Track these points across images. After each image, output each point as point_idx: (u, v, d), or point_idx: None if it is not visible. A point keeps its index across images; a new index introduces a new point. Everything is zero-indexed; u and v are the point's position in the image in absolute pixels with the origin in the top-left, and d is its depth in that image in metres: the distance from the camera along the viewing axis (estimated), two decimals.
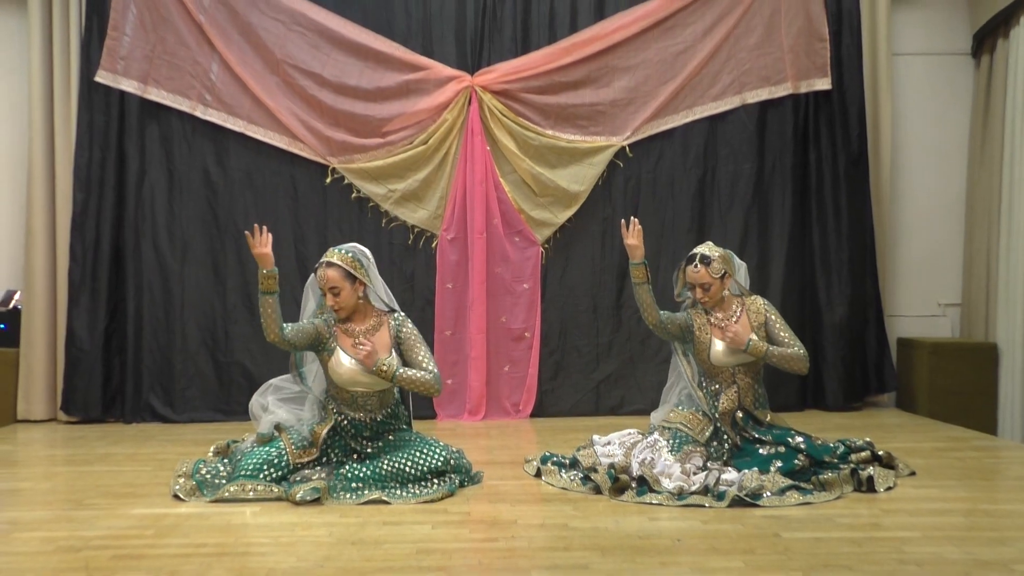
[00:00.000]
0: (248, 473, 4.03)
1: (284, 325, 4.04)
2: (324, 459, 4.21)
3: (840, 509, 3.76)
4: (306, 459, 4.16)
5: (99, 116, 6.26)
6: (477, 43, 6.44)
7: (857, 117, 6.47)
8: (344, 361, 4.12)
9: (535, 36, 6.48)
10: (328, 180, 6.35)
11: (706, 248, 4.44)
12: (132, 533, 3.50)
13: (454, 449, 4.24)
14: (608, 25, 6.41)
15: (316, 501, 3.89)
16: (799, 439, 4.24)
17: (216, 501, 3.94)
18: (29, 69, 6.32)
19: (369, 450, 4.20)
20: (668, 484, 3.94)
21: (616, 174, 6.45)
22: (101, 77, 6.16)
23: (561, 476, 4.29)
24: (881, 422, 6.01)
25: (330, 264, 4.13)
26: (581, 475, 4.24)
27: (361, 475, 4.03)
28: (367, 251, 4.29)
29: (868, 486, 4.01)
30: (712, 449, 4.31)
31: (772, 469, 4.05)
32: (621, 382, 6.43)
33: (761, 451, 4.22)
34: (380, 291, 4.31)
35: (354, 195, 6.38)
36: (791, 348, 4.35)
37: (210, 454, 4.63)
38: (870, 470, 4.09)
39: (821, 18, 6.35)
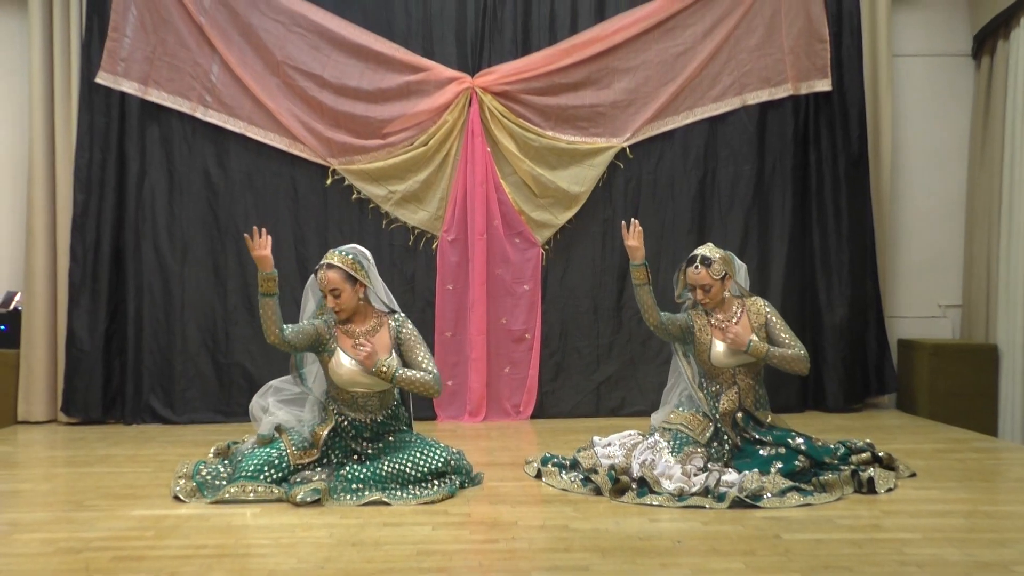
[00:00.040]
0: (248, 474, 4.03)
1: (284, 326, 4.04)
2: (324, 460, 4.21)
3: (841, 510, 3.76)
4: (307, 460, 4.16)
5: (99, 117, 6.26)
6: (477, 44, 6.45)
7: (857, 118, 6.47)
8: (344, 362, 4.12)
9: (535, 37, 6.48)
10: (328, 181, 6.36)
11: (707, 250, 4.44)
12: (132, 534, 3.50)
13: (454, 450, 4.23)
14: (608, 26, 6.41)
15: (316, 502, 3.89)
16: (799, 440, 4.24)
17: (216, 502, 3.94)
18: (30, 70, 6.32)
19: (369, 451, 4.20)
20: (668, 485, 3.94)
21: (616, 175, 6.45)
22: (101, 78, 6.16)
23: (561, 477, 4.29)
24: (881, 423, 6.01)
25: (330, 266, 4.13)
26: (581, 476, 4.24)
27: (361, 476, 4.03)
28: (367, 252, 4.29)
29: (869, 487, 4.01)
30: (712, 450, 4.31)
31: (772, 470, 4.05)
32: (622, 383, 6.42)
33: (761, 452, 4.22)
34: (380, 292, 4.31)
35: (354, 196, 6.38)
36: (792, 349, 4.35)
37: (210, 455, 4.63)
38: (871, 471, 4.09)
39: (821, 19, 6.35)
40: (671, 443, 4.28)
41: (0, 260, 6.59)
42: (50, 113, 6.34)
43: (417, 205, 6.38)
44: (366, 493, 3.96)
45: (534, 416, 6.34)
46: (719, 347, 4.37)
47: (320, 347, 4.18)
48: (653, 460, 4.14)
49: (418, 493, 3.99)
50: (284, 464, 4.11)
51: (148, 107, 6.28)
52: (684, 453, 4.20)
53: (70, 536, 3.48)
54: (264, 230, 4.07)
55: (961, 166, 6.87)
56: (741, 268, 4.58)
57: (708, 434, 4.35)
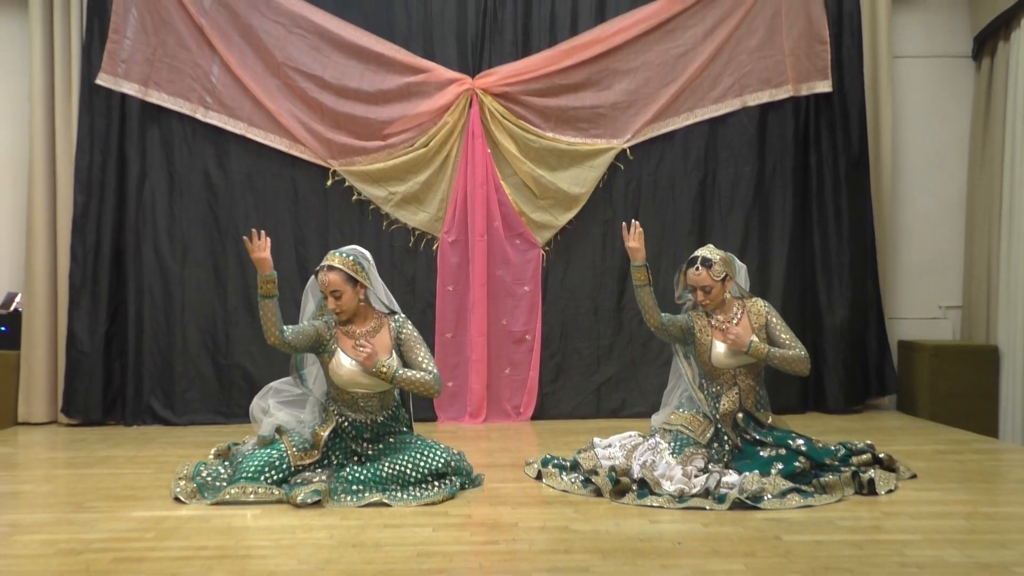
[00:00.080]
0: (249, 476, 4.03)
1: (284, 327, 4.05)
2: (325, 461, 4.21)
3: (841, 512, 3.76)
4: (307, 461, 4.16)
5: (100, 119, 6.27)
6: (478, 46, 6.45)
7: (858, 120, 6.47)
8: (344, 362, 4.12)
9: (536, 39, 6.48)
10: (329, 183, 6.36)
11: (707, 251, 4.44)
12: (133, 536, 3.50)
13: (455, 451, 4.23)
14: (609, 28, 6.41)
15: (317, 504, 3.89)
16: (800, 441, 4.23)
17: (217, 504, 3.94)
18: (30, 72, 6.33)
19: (370, 452, 4.20)
20: (669, 487, 3.94)
21: (617, 177, 6.45)
22: (102, 80, 6.16)
23: (562, 479, 4.29)
24: (882, 425, 6.01)
25: (331, 268, 4.13)
26: (582, 478, 4.24)
27: (362, 477, 4.03)
28: (367, 253, 4.30)
29: (869, 489, 4.01)
30: (713, 451, 4.31)
31: (773, 472, 4.04)
32: (622, 385, 6.42)
33: (762, 453, 4.22)
34: (380, 293, 4.31)
35: (355, 198, 6.38)
36: (792, 350, 4.35)
37: (211, 457, 4.63)
38: (871, 473, 4.08)
39: (822, 20, 6.35)
40: (672, 444, 4.28)
41: (0, 261, 6.59)
42: (50, 115, 6.34)
43: (417, 206, 6.38)
44: (366, 494, 3.96)
45: (534, 417, 6.34)
46: (719, 348, 4.37)
47: (320, 348, 4.18)
48: (654, 461, 4.14)
49: (418, 494, 3.99)
50: (285, 465, 4.11)
51: (148, 108, 6.28)
52: (685, 454, 4.20)
53: (70, 537, 3.48)
54: (263, 232, 4.08)
55: (961, 167, 6.87)
56: (741, 269, 4.58)
57: (709, 435, 4.35)
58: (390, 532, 3.51)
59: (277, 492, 3.99)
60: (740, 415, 4.36)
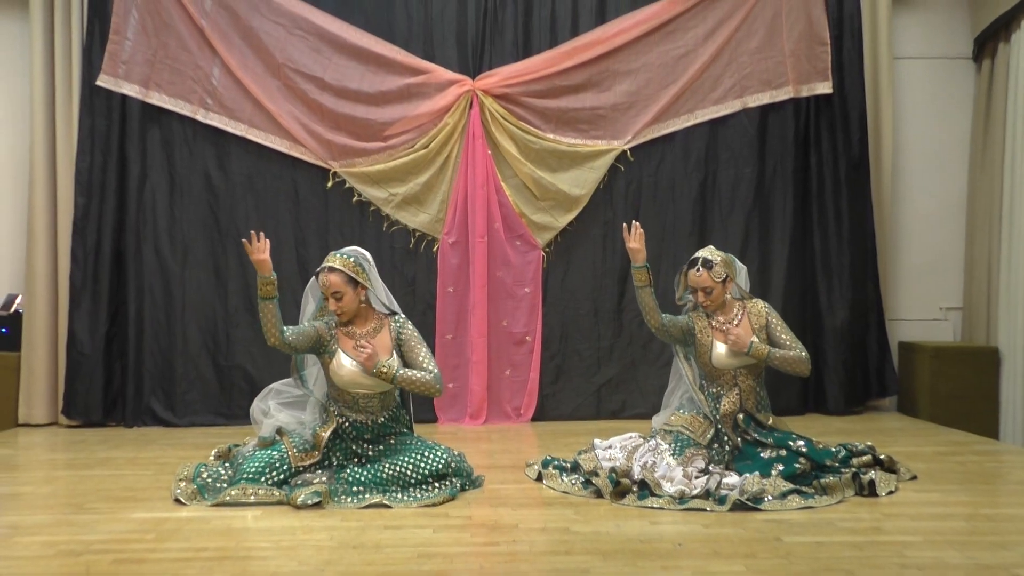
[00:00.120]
0: (250, 477, 4.03)
1: (284, 328, 4.05)
2: (326, 462, 4.21)
3: (841, 513, 3.76)
4: (308, 462, 4.16)
5: (100, 120, 6.27)
6: (478, 47, 6.45)
7: (858, 121, 6.47)
8: (345, 363, 4.13)
9: (536, 40, 6.48)
10: (329, 184, 6.36)
11: (708, 252, 4.45)
12: (133, 537, 3.50)
13: (455, 452, 4.23)
14: (609, 29, 6.41)
15: (317, 505, 3.89)
16: (800, 443, 4.23)
17: (217, 505, 3.94)
18: (31, 73, 6.33)
19: (370, 453, 4.20)
20: (669, 488, 3.94)
21: (617, 178, 6.45)
22: (103, 81, 6.17)
23: (562, 480, 4.29)
24: (882, 426, 6.01)
25: (332, 269, 4.13)
26: (582, 479, 4.24)
27: (362, 479, 4.03)
28: (368, 254, 4.30)
29: (870, 490, 4.01)
30: (713, 452, 4.31)
31: (773, 473, 4.04)
32: (622, 386, 6.42)
33: (762, 455, 4.22)
34: (381, 294, 4.32)
35: (355, 199, 6.38)
36: (792, 350, 4.35)
37: (211, 458, 4.62)
38: (871, 474, 4.08)
39: (822, 22, 6.35)
40: (672, 445, 4.28)
41: (1, 262, 6.59)
42: (51, 116, 6.35)
43: (418, 207, 6.38)
44: (367, 496, 3.96)
45: (535, 419, 6.34)
46: (720, 349, 4.38)
47: (321, 348, 4.19)
48: (654, 462, 4.14)
49: (419, 496, 3.99)
50: (285, 466, 4.11)
51: (149, 110, 6.29)
52: (685, 455, 4.20)
53: (70, 539, 3.48)
54: (262, 234, 4.08)
55: (962, 168, 6.87)
56: (742, 271, 4.59)
57: (709, 436, 4.35)
58: (390, 533, 3.51)
59: (277, 493, 3.99)
60: (740, 416, 4.36)
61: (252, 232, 4.08)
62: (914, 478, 4.33)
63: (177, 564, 3.16)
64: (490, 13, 6.45)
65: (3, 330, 6.39)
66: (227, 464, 4.35)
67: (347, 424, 4.21)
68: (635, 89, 6.43)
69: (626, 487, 4.00)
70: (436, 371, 4.18)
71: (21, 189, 6.50)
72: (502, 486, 4.31)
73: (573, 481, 4.26)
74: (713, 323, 4.44)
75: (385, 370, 4.06)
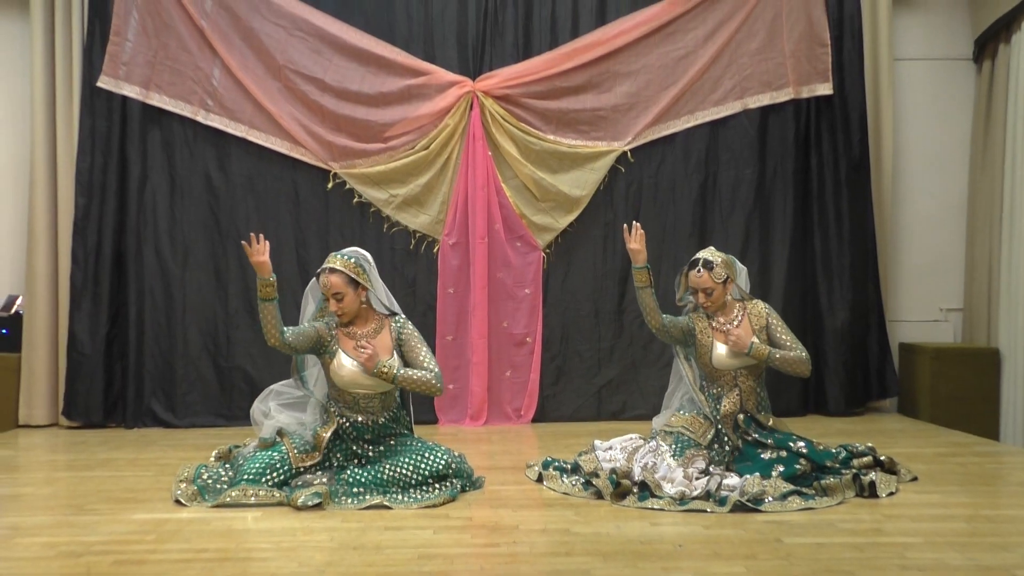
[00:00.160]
0: (250, 478, 4.03)
1: (284, 329, 4.05)
2: (326, 463, 4.21)
3: (842, 514, 3.76)
4: (309, 463, 4.16)
5: (101, 121, 6.27)
6: (479, 48, 6.45)
7: (858, 122, 6.47)
8: (346, 363, 4.13)
9: (536, 41, 6.48)
10: (330, 185, 6.36)
11: (708, 253, 4.45)
12: (133, 538, 3.50)
13: (456, 453, 4.23)
14: (609, 30, 6.41)
15: (318, 506, 3.89)
16: (801, 444, 4.24)
17: (217, 506, 3.94)
18: (31, 74, 6.33)
19: (371, 454, 4.20)
20: (670, 489, 3.94)
21: (618, 179, 6.45)
22: (103, 82, 6.17)
23: (563, 481, 4.29)
24: (883, 427, 6.01)
25: (332, 270, 4.14)
26: (583, 480, 4.24)
27: (363, 480, 4.03)
28: (368, 255, 4.30)
29: (870, 491, 4.01)
30: (714, 452, 4.31)
31: (774, 474, 4.04)
32: (623, 387, 6.42)
33: (763, 456, 4.22)
34: (381, 295, 4.32)
35: (356, 200, 6.38)
36: (793, 351, 4.36)
37: (212, 459, 4.63)
38: (872, 475, 4.08)
39: (823, 23, 6.35)
40: (673, 446, 4.28)
41: (2, 263, 6.60)
42: (52, 117, 6.35)
43: (418, 209, 6.38)
44: (367, 497, 3.96)
45: (535, 420, 6.33)
46: (720, 349, 4.38)
47: (321, 349, 4.19)
48: (655, 463, 4.14)
49: (419, 497, 3.99)
50: (286, 467, 4.11)
51: (149, 111, 6.29)
52: (686, 456, 4.20)
53: (71, 540, 3.48)
54: (261, 236, 4.08)
55: (962, 169, 6.87)
56: (742, 272, 4.59)
57: (709, 436, 4.35)
58: (391, 534, 3.51)
59: (278, 494, 3.99)
60: (741, 416, 4.36)
61: (252, 234, 4.09)
62: (915, 479, 4.33)
63: (178, 565, 3.16)
64: (490, 14, 6.45)
65: (3, 331, 6.39)
66: (227, 465, 4.35)
67: (347, 425, 4.21)
68: (635, 90, 6.43)
69: (626, 488, 4.00)
70: (437, 370, 4.18)
71: (22, 190, 6.51)
72: (502, 487, 4.31)
73: (573, 482, 4.25)
74: (713, 324, 4.44)
75: (386, 370, 4.06)
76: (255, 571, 3.12)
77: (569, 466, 4.44)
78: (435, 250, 6.40)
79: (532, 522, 3.71)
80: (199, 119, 6.29)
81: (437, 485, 4.08)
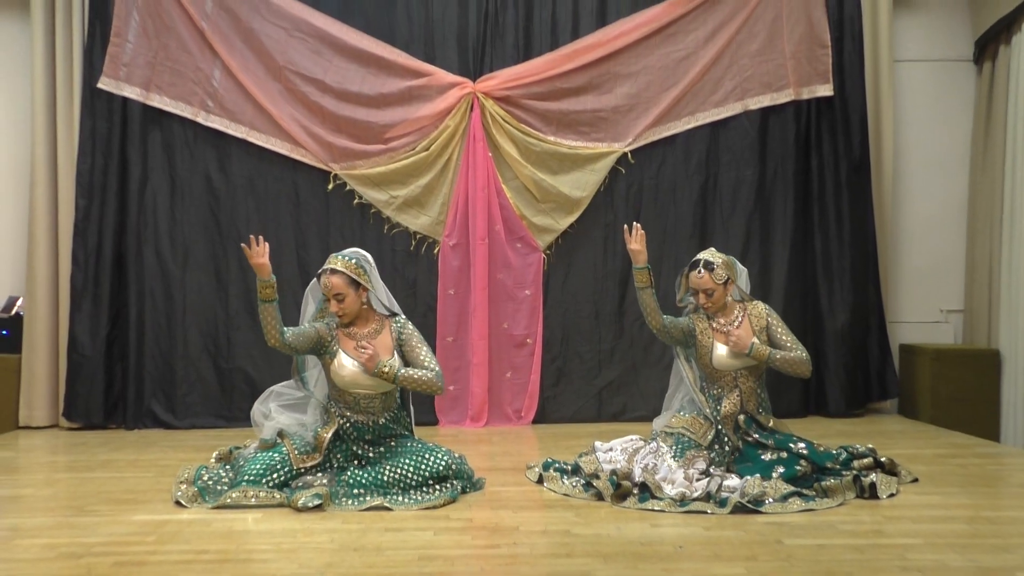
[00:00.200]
0: (251, 479, 4.03)
1: (284, 329, 4.05)
2: (327, 464, 4.20)
3: (843, 516, 3.76)
4: (309, 463, 4.15)
5: (101, 122, 6.27)
6: (479, 49, 6.45)
7: (859, 123, 6.46)
8: (346, 363, 4.13)
9: (537, 42, 6.48)
10: (330, 186, 6.36)
11: (709, 254, 4.46)
12: (134, 540, 3.50)
13: (456, 455, 4.23)
14: (610, 31, 6.41)
15: (318, 507, 3.89)
16: (801, 445, 4.24)
17: (218, 507, 3.94)
18: (32, 75, 6.33)
19: (371, 455, 4.20)
20: (670, 490, 3.94)
21: (618, 180, 6.45)
22: (104, 83, 6.17)
23: (563, 482, 4.29)
24: (883, 429, 6.01)
25: (334, 271, 4.14)
26: (583, 481, 4.24)
27: (363, 481, 4.03)
28: (368, 256, 4.31)
29: (871, 493, 4.01)
30: (714, 453, 4.31)
31: (774, 475, 4.04)
32: (623, 388, 6.42)
33: (763, 457, 4.22)
34: (382, 296, 4.32)
35: (356, 201, 6.38)
36: (793, 351, 4.36)
37: (212, 460, 4.63)
38: (872, 476, 4.08)
39: (823, 24, 6.35)
40: (673, 448, 4.28)
41: (2, 265, 6.60)
42: (52, 118, 6.35)
43: (419, 210, 6.38)
44: (368, 498, 3.96)
45: (536, 421, 6.33)
46: (721, 350, 4.38)
47: (321, 349, 4.19)
48: (655, 465, 4.14)
49: (420, 498, 3.99)
50: (286, 468, 4.11)
51: (150, 112, 6.29)
52: (686, 457, 4.20)
53: (71, 541, 3.48)
54: (261, 238, 4.08)
55: (963, 171, 6.87)
56: (743, 273, 4.59)
57: (710, 437, 4.35)
58: (391, 536, 3.51)
59: (278, 496, 3.99)
60: (742, 417, 4.36)
61: (251, 236, 4.09)
62: (915, 481, 4.33)
63: (178, 566, 3.16)
64: (491, 15, 6.45)
65: (4, 332, 6.39)
66: (228, 466, 4.36)
67: (348, 425, 4.21)
68: (636, 91, 6.43)
69: (627, 489, 4.00)
70: (437, 369, 4.18)
71: (22, 191, 6.51)
72: (503, 488, 4.31)
73: (574, 483, 4.25)
74: (714, 325, 4.44)
75: (386, 370, 4.06)
76: (255, 572, 3.12)
77: (569, 467, 4.44)
78: (435, 251, 6.40)
79: (532, 523, 3.71)
80: (199, 120, 6.29)
81: (437, 486, 4.08)
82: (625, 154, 6.41)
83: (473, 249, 6.33)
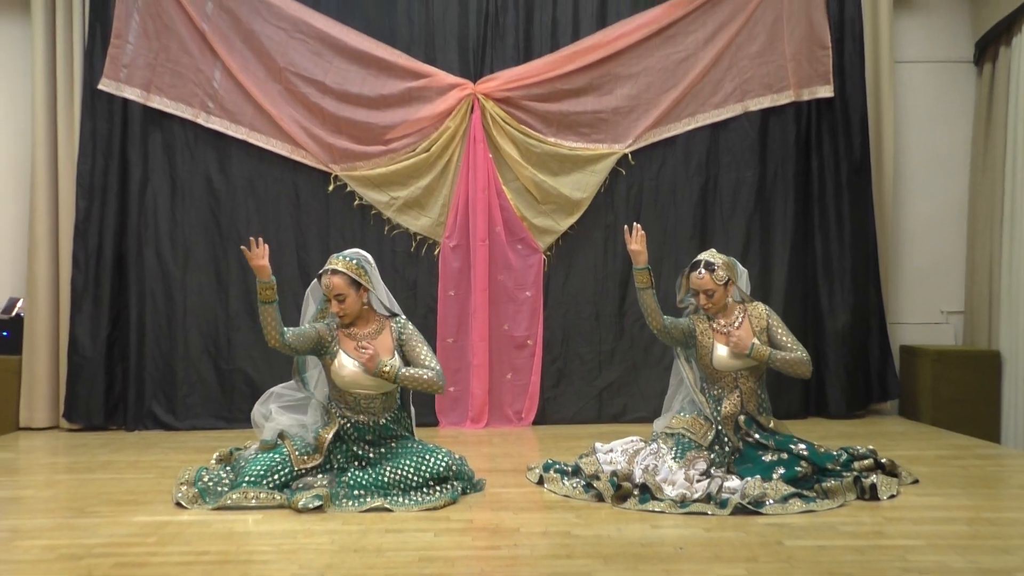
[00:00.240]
0: (251, 480, 4.03)
1: (284, 330, 4.06)
2: (327, 465, 4.20)
3: (843, 517, 3.76)
4: (310, 464, 4.15)
5: (102, 124, 6.27)
6: (479, 51, 6.45)
7: (859, 125, 6.46)
8: (347, 364, 4.13)
9: (537, 44, 6.48)
10: (330, 188, 6.36)
11: (710, 255, 4.46)
12: (134, 541, 3.50)
13: (457, 456, 4.23)
14: (610, 33, 6.41)
15: (318, 509, 3.89)
16: (802, 446, 4.24)
17: (218, 509, 3.94)
18: (32, 76, 6.34)
19: (371, 456, 4.20)
20: (671, 491, 3.94)
21: (618, 181, 6.45)
22: (104, 85, 6.17)
23: (563, 484, 4.29)
24: (884, 430, 6.00)
25: (335, 272, 4.14)
26: (583, 483, 4.24)
27: (363, 482, 4.03)
28: (369, 256, 4.31)
29: (871, 494, 4.01)
30: (714, 454, 4.31)
31: (775, 476, 4.04)
32: (624, 390, 6.42)
33: (764, 458, 4.22)
34: (382, 296, 4.33)
35: (356, 202, 6.38)
36: (794, 352, 4.36)
37: (212, 461, 4.63)
38: (873, 478, 4.08)
39: (823, 25, 6.35)
40: (674, 449, 4.28)
41: (2, 266, 6.60)
42: (53, 119, 6.35)
43: (419, 211, 6.38)
44: (368, 499, 3.96)
45: (536, 422, 6.33)
46: (721, 351, 4.38)
47: (322, 350, 4.19)
48: (656, 466, 4.14)
49: (420, 499, 3.99)
50: (286, 469, 4.11)
51: (150, 113, 6.29)
52: (687, 458, 4.20)
53: (72, 543, 3.48)
54: (260, 239, 4.09)
55: (963, 172, 6.87)
56: (743, 274, 4.59)
57: (710, 437, 4.35)
58: (392, 537, 3.51)
59: (279, 497, 3.99)
60: (742, 418, 4.36)
61: (251, 238, 4.09)
62: (916, 482, 4.33)
63: (178, 568, 3.16)
64: (491, 17, 6.45)
65: (4, 334, 6.39)
66: (228, 468, 4.36)
67: (349, 425, 4.21)
68: (636, 93, 6.43)
69: (627, 491, 4.00)
70: (438, 368, 4.19)
71: (22, 192, 6.51)
72: (503, 490, 4.31)
73: (574, 485, 4.25)
74: (714, 325, 4.44)
75: (387, 370, 4.06)
76: (256, 573, 3.12)
77: (570, 468, 4.44)
78: (436, 252, 6.40)
79: (533, 524, 3.71)
80: (200, 121, 6.29)
81: (438, 487, 4.08)
82: (625, 155, 6.42)
83: (473, 250, 6.33)
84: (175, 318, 6.31)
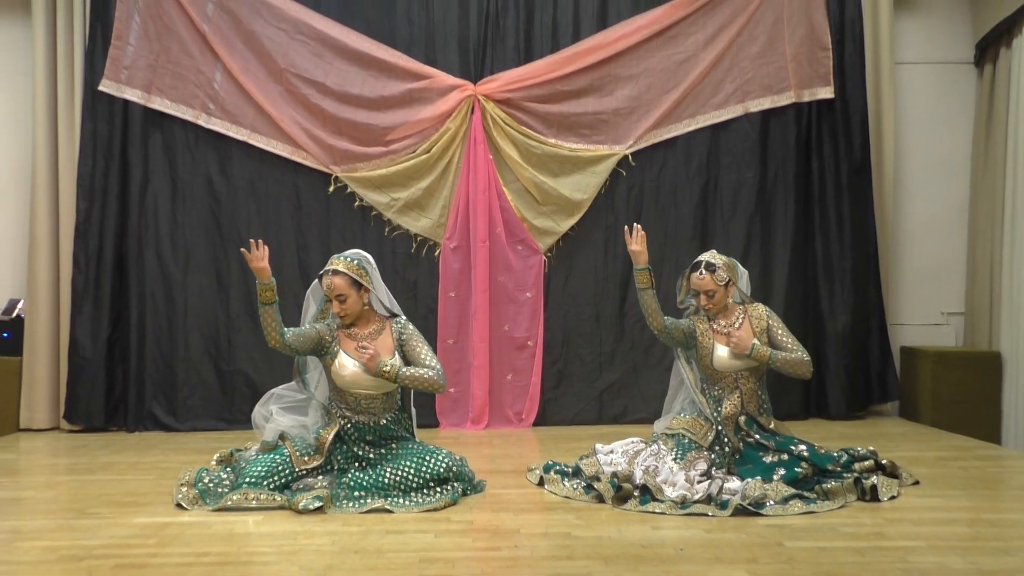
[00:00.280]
0: (252, 481, 4.03)
1: (285, 330, 4.06)
2: (328, 466, 4.20)
3: (844, 518, 3.76)
4: (311, 465, 4.15)
5: (103, 125, 6.27)
6: (480, 52, 6.45)
7: (860, 126, 6.46)
8: (347, 364, 4.13)
9: (538, 45, 6.49)
10: (331, 189, 6.36)
11: (710, 256, 4.46)
12: (135, 542, 3.50)
13: (457, 457, 4.23)
14: (611, 34, 6.41)
15: (319, 510, 3.89)
16: (802, 447, 4.24)
17: (219, 510, 3.94)
18: (33, 77, 6.34)
19: (372, 456, 4.20)
20: (671, 493, 3.94)
21: (619, 183, 6.45)
22: (105, 86, 6.17)
23: (564, 485, 4.29)
24: (884, 431, 6.00)
25: (336, 272, 4.15)
26: (584, 484, 4.24)
27: (364, 483, 4.03)
28: (370, 257, 4.32)
29: (872, 495, 4.00)
30: (715, 454, 4.30)
31: (775, 478, 4.04)
32: (624, 391, 6.42)
33: (764, 459, 4.22)
34: (383, 296, 4.33)
35: (357, 204, 6.38)
36: (794, 353, 4.36)
37: (213, 463, 4.62)
38: (874, 479, 4.08)
39: (824, 27, 6.35)
40: (674, 450, 4.28)
41: (3, 267, 6.60)
42: (53, 120, 6.35)
43: (419, 212, 6.38)
44: (368, 500, 3.96)
45: (536, 423, 6.33)
46: (721, 351, 4.38)
47: (322, 350, 4.19)
48: (656, 467, 4.14)
49: (420, 500, 3.99)
50: (287, 470, 4.11)
51: (151, 115, 6.29)
52: (687, 459, 4.20)
53: (72, 544, 3.48)
54: (260, 241, 4.09)
55: (964, 173, 6.87)
56: (743, 275, 4.59)
57: (711, 438, 4.35)
58: (392, 538, 3.51)
59: (279, 498, 3.99)
60: (742, 418, 4.36)
61: (251, 240, 4.09)
62: (916, 483, 4.33)
63: (179, 569, 3.16)
64: (492, 18, 6.45)
65: (5, 335, 6.39)
66: (229, 469, 4.35)
67: (349, 426, 4.21)
68: (637, 94, 6.43)
69: (628, 492, 4.00)
70: (438, 367, 4.19)
71: (23, 193, 6.51)
72: (504, 491, 4.31)
73: (575, 486, 4.25)
74: (714, 326, 4.44)
75: (387, 370, 4.07)
76: (256, 575, 3.12)
77: (570, 470, 4.44)
78: (436, 254, 6.40)
79: (533, 526, 3.71)
80: (200, 123, 6.30)
81: (438, 489, 4.08)
82: (626, 156, 6.42)
83: (474, 251, 6.33)
84: (176, 319, 6.31)
